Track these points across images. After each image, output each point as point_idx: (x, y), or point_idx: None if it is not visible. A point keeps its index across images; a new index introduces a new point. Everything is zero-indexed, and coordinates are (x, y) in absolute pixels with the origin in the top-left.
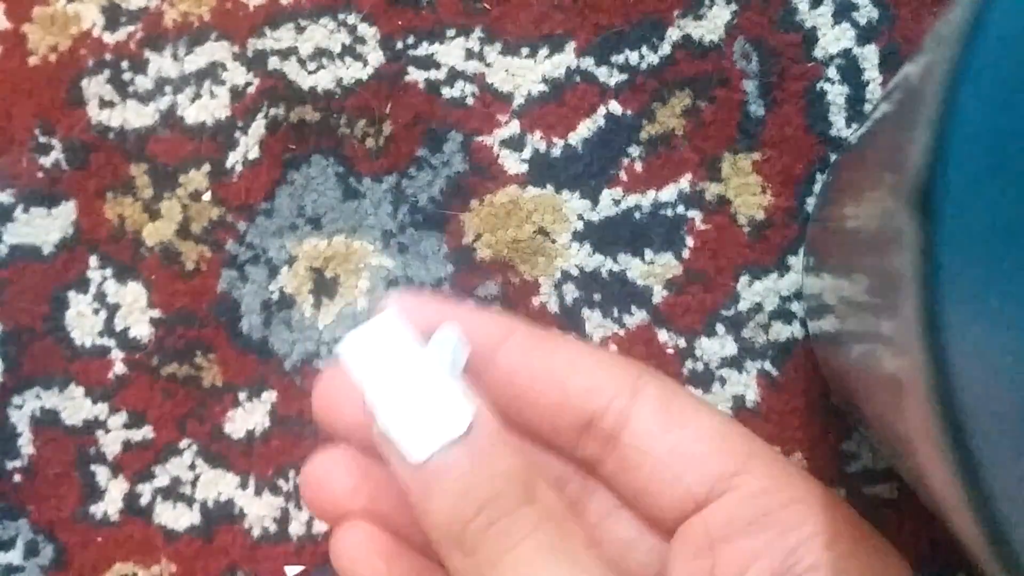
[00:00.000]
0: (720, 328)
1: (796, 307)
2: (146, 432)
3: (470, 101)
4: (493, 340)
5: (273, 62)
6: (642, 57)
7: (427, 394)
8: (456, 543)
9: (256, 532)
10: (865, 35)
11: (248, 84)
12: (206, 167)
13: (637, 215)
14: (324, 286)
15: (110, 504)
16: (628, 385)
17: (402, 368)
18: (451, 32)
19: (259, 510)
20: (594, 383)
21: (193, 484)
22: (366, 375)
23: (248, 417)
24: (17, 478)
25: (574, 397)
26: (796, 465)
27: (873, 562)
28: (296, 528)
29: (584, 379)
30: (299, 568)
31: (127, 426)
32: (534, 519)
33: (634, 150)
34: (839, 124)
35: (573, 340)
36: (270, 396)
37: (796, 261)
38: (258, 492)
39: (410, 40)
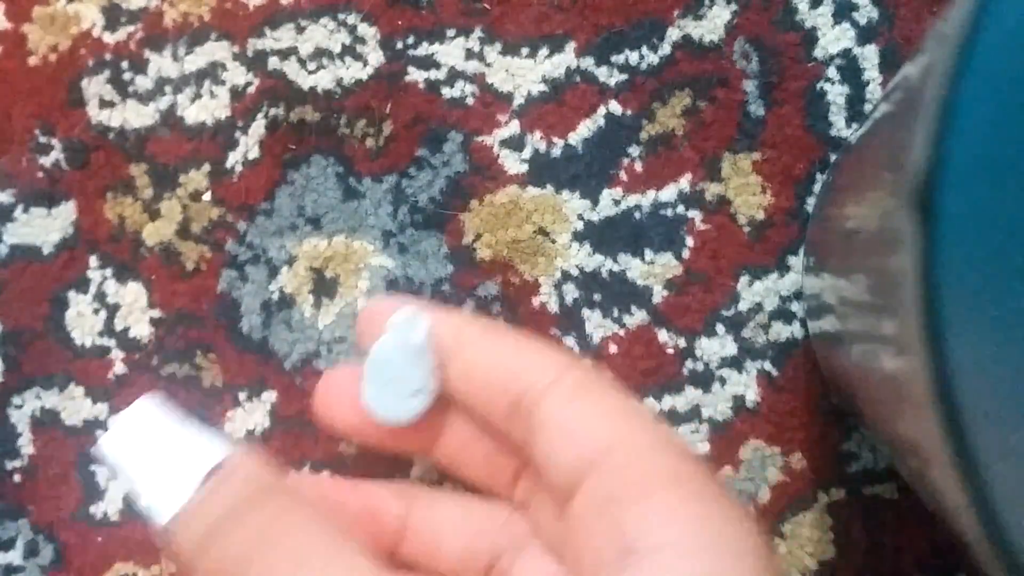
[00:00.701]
0: (720, 328)
1: (796, 307)
2: None
3: (470, 101)
4: (454, 334)
5: (273, 62)
6: (642, 57)
7: (178, 450)
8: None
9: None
10: (865, 35)
11: (248, 84)
12: (206, 167)
13: (637, 215)
14: (324, 286)
15: (110, 504)
16: (555, 369)
17: (154, 441)
18: (451, 32)
19: None
20: (525, 366)
21: None
22: (123, 461)
23: (248, 417)
24: (17, 478)
25: (508, 378)
26: (675, 438)
27: (715, 543)
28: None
29: (518, 363)
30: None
31: None
32: (286, 503)
33: (634, 150)
34: (839, 124)
35: (521, 334)
36: (270, 396)
37: (796, 261)
38: None
39: (410, 40)
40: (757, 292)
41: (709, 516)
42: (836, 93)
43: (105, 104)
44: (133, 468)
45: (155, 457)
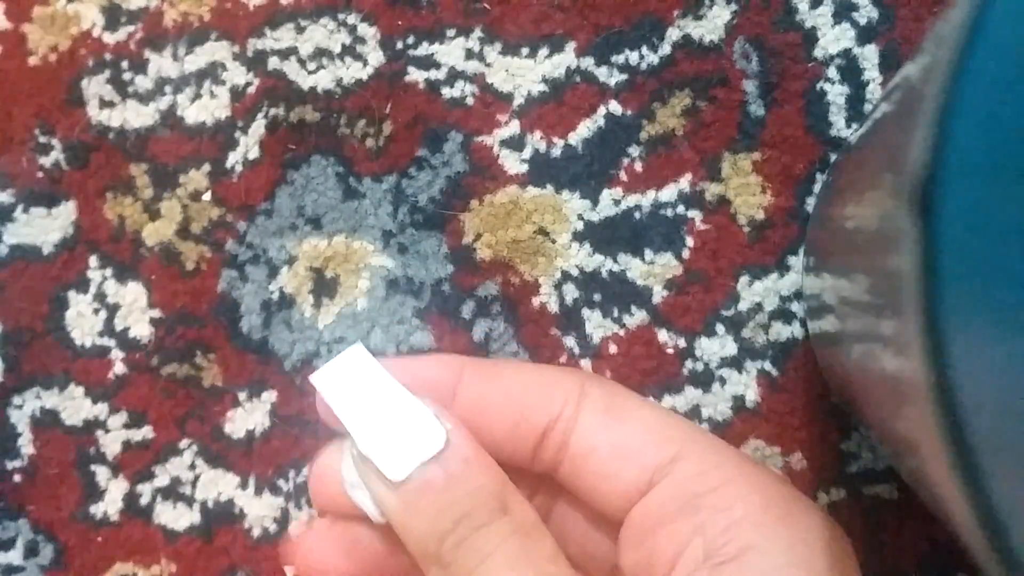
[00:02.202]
0: (720, 328)
1: (796, 307)
2: (146, 432)
3: (470, 101)
4: (450, 380)
5: (273, 62)
6: (642, 57)
7: (401, 417)
8: (434, 559)
9: (256, 532)
10: (865, 35)
11: (248, 84)
12: (206, 167)
13: (637, 215)
14: (324, 286)
15: (110, 504)
16: (574, 394)
17: (375, 395)
18: (451, 32)
19: (259, 510)
20: (543, 398)
21: (193, 484)
22: (341, 403)
23: (248, 417)
24: (17, 478)
25: (528, 414)
26: (731, 448)
27: (800, 539)
28: (296, 528)
29: (534, 397)
30: None
31: (127, 426)
32: (504, 533)
33: (634, 150)
34: (839, 124)
35: (518, 363)
36: (270, 396)
37: (796, 261)
38: (258, 492)
39: (410, 40)
40: (757, 292)
41: (791, 515)
42: (836, 93)
43: (105, 104)
44: (354, 416)
45: (376, 411)
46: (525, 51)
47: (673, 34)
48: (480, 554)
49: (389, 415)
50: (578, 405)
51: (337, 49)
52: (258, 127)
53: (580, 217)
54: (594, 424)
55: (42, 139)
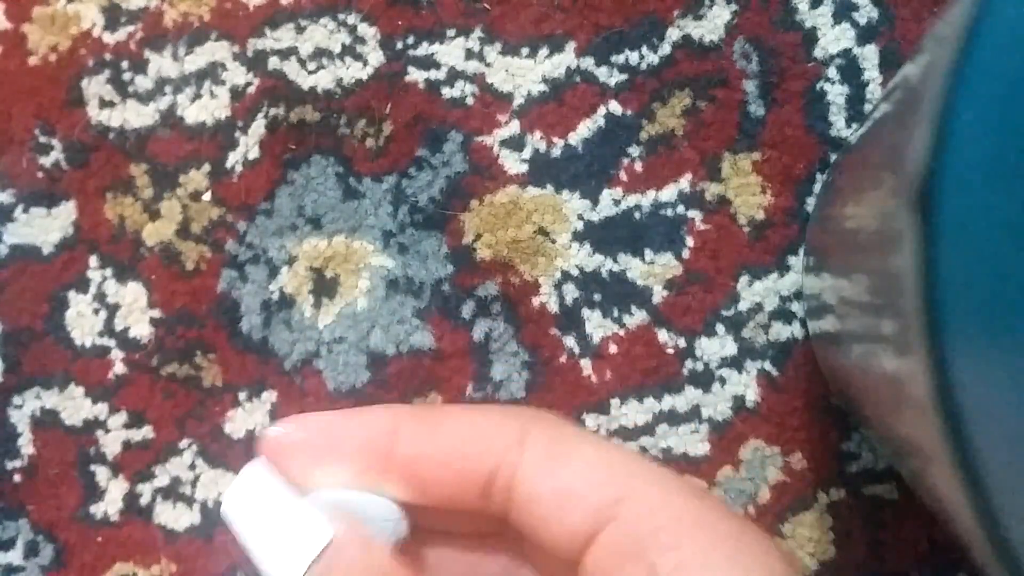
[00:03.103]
0: (720, 328)
1: (796, 307)
2: (146, 432)
3: (470, 101)
4: (384, 438)
5: (273, 62)
6: (642, 57)
7: (289, 523)
8: None
9: None
10: (865, 35)
11: (248, 84)
12: (206, 167)
13: (637, 215)
14: (324, 286)
15: (110, 504)
16: (514, 439)
17: (267, 509)
18: (451, 32)
19: None
20: (483, 446)
21: (193, 484)
22: (242, 523)
23: (248, 417)
24: (17, 478)
25: (469, 465)
26: (679, 481)
27: (755, 566)
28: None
29: (474, 446)
30: None
31: (127, 426)
32: None
33: (634, 150)
34: (839, 124)
35: (458, 409)
36: (270, 396)
37: (796, 261)
38: None
39: (410, 40)
40: (757, 292)
41: (741, 552)
42: (836, 93)
43: (105, 104)
44: (250, 535)
45: (270, 526)
46: (525, 51)
47: (673, 34)
48: None
49: (278, 524)
50: (519, 450)
51: (337, 49)
52: (258, 127)
53: (580, 217)
54: (536, 470)
55: (42, 139)
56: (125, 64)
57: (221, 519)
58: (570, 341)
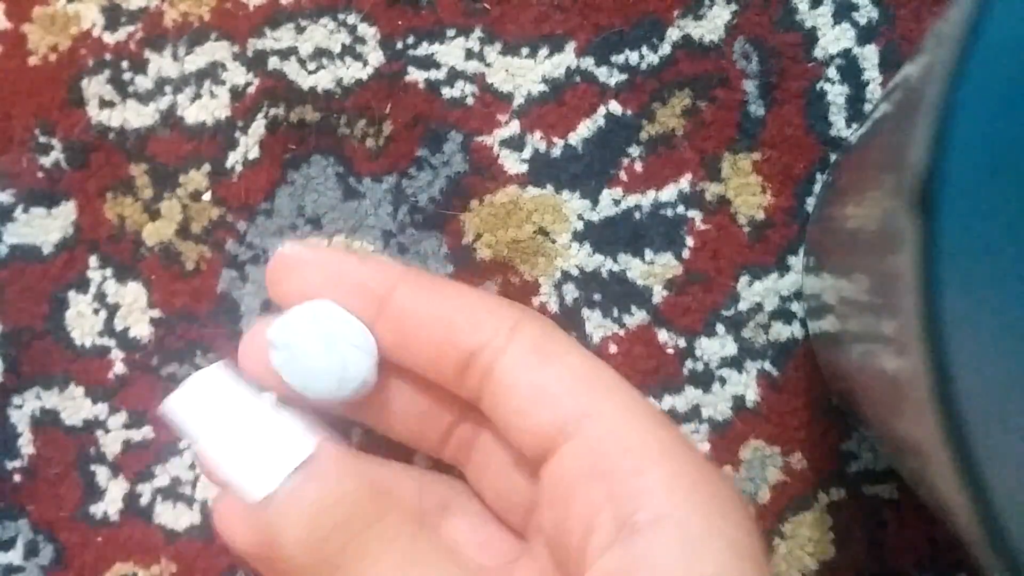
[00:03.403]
0: (720, 328)
1: (796, 307)
2: (146, 432)
3: (470, 101)
4: (385, 287)
5: (273, 62)
6: (642, 57)
7: (264, 433)
8: (315, 571)
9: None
10: (865, 35)
11: (248, 84)
12: (206, 167)
13: (637, 215)
14: None
15: (110, 504)
16: (507, 325)
17: (235, 413)
18: (451, 32)
19: None
20: (475, 322)
21: (193, 484)
22: (196, 427)
23: None
24: (17, 478)
25: (456, 335)
26: (651, 407)
27: (711, 508)
28: None
29: (465, 318)
30: None
31: (127, 426)
32: (389, 535)
33: (634, 150)
34: (839, 124)
35: (461, 285)
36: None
37: (796, 261)
38: None
39: (410, 40)
40: (757, 292)
41: (703, 483)
42: (836, 93)
43: (105, 104)
44: (215, 440)
45: (238, 430)
46: (525, 51)
47: (673, 34)
48: (366, 559)
49: (250, 432)
50: (508, 338)
51: (337, 49)
52: (258, 127)
53: (580, 217)
54: (519, 361)
55: (42, 139)
56: (125, 64)
57: (165, 415)
58: None
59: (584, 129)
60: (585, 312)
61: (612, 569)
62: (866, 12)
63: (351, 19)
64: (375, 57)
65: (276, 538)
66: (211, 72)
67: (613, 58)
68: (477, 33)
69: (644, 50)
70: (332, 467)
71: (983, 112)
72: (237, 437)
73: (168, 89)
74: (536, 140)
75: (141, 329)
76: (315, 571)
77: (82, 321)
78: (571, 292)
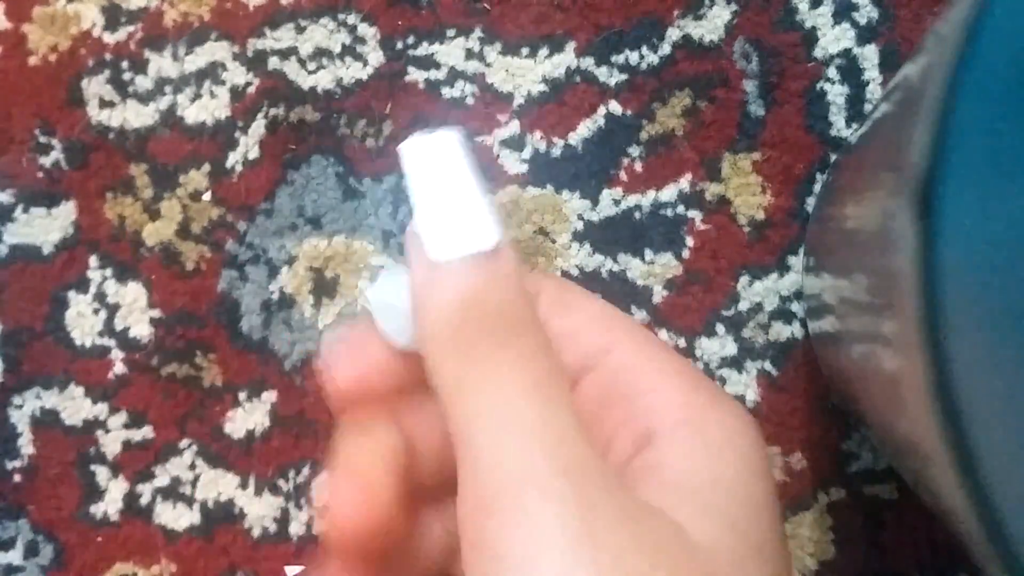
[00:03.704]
0: (720, 328)
1: (796, 307)
2: (146, 432)
3: (470, 101)
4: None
5: (273, 62)
6: (642, 57)
7: (467, 209)
8: (443, 344)
9: (256, 532)
10: (865, 35)
11: (248, 84)
12: (206, 167)
13: (637, 215)
14: (324, 286)
15: (110, 504)
16: (533, 288)
17: (451, 181)
18: (451, 32)
19: (259, 510)
20: None
21: (193, 484)
22: (417, 177)
23: (248, 417)
24: (17, 478)
25: None
26: (665, 345)
27: (727, 423)
28: (296, 528)
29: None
30: (299, 568)
31: (127, 426)
32: (527, 351)
33: (634, 150)
34: (839, 124)
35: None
36: (270, 396)
37: (796, 261)
38: (258, 492)
39: (410, 40)
40: (757, 292)
41: (720, 400)
42: (836, 93)
43: (105, 104)
44: (424, 196)
45: (448, 193)
46: (525, 51)
47: (673, 34)
48: (498, 363)
49: (456, 203)
50: (535, 292)
51: (337, 49)
52: (258, 127)
53: (580, 217)
54: (543, 313)
55: (42, 139)
56: (125, 64)
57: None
58: None
59: (584, 129)
60: None
61: (632, 476)
62: (866, 12)
63: (351, 19)
64: (375, 57)
65: (429, 296)
66: (211, 72)
67: (613, 58)
68: (477, 33)
69: (644, 50)
70: (507, 269)
71: (983, 112)
72: (444, 202)
73: (168, 89)
74: (536, 140)
75: (141, 329)
76: (441, 346)
77: (82, 321)
78: None
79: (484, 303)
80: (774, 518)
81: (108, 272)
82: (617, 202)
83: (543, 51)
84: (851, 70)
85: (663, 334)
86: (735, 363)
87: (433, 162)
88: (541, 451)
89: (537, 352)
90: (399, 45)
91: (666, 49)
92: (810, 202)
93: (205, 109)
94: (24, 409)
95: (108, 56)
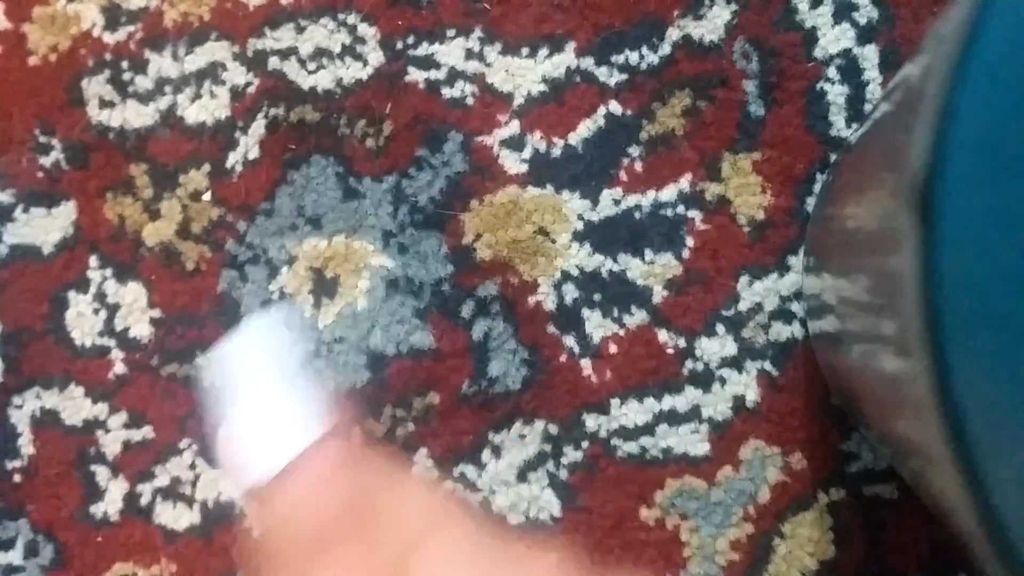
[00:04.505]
0: (720, 328)
1: (796, 307)
2: (146, 432)
3: (470, 101)
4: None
5: (273, 62)
6: (642, 57)
7: (277, 417)
8: (283, 568)
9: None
10: (865, 35)
11: (248, 84)
12: (206, 167)
13: (637, 215)
14: (324, 286)
15: (110, 504)
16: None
17: (253, 393)
18: (451, 32)
19: None
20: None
21: (193, 484)
22: (228, 386)
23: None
24: (17, 478)
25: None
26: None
27: None
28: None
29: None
30: None
31: (127, 426)
32: (348, 557)
33: (634, 150)
34: (839, 124)
35: None
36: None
37: (796, 261)
38: None
39: (410, 40)
40: (757, 292)
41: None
42: (836, 93)
43: (105, 104)
44: (234, 405)
45: (259, 405)
46: (525, 51)
47: (673, 34)
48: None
49: (266, 413)
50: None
51: (337, 49)
52: (258, 127)
53: (580, 217)
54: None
55: (42, 139)
56: (125, 64)
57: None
58: (570, 341)
59: (584, 129)
60: (585, 312)
61: None
62: (866, 12)
63: (351, 19)
64: (375, 57)
65: (260, 520)
66: (211, 72)
67: (613, 58)
68: (477, 33)
69: (644, 50)
70: (323, 468)
71: (983, 112)
72: (246, 426)
73: (168, 89)
74: (536, 140)
75: (141, 329)
76: (282, 568)
77: (82, 321)
78: (571, 292)
79: (299, 518)
80: None
81: (108, 272)
82: (617, 202)
83: (543, 51)
84: (851, 70)
85: (663, 334)
86: (735, 363)
87: (234, 373)
88: None
89: (361, 561)
90: (399, 45)
91: (666, 49)
92: (810, 202)
93: (205, 109)
94: (24, 409)
95: (108, 56)
